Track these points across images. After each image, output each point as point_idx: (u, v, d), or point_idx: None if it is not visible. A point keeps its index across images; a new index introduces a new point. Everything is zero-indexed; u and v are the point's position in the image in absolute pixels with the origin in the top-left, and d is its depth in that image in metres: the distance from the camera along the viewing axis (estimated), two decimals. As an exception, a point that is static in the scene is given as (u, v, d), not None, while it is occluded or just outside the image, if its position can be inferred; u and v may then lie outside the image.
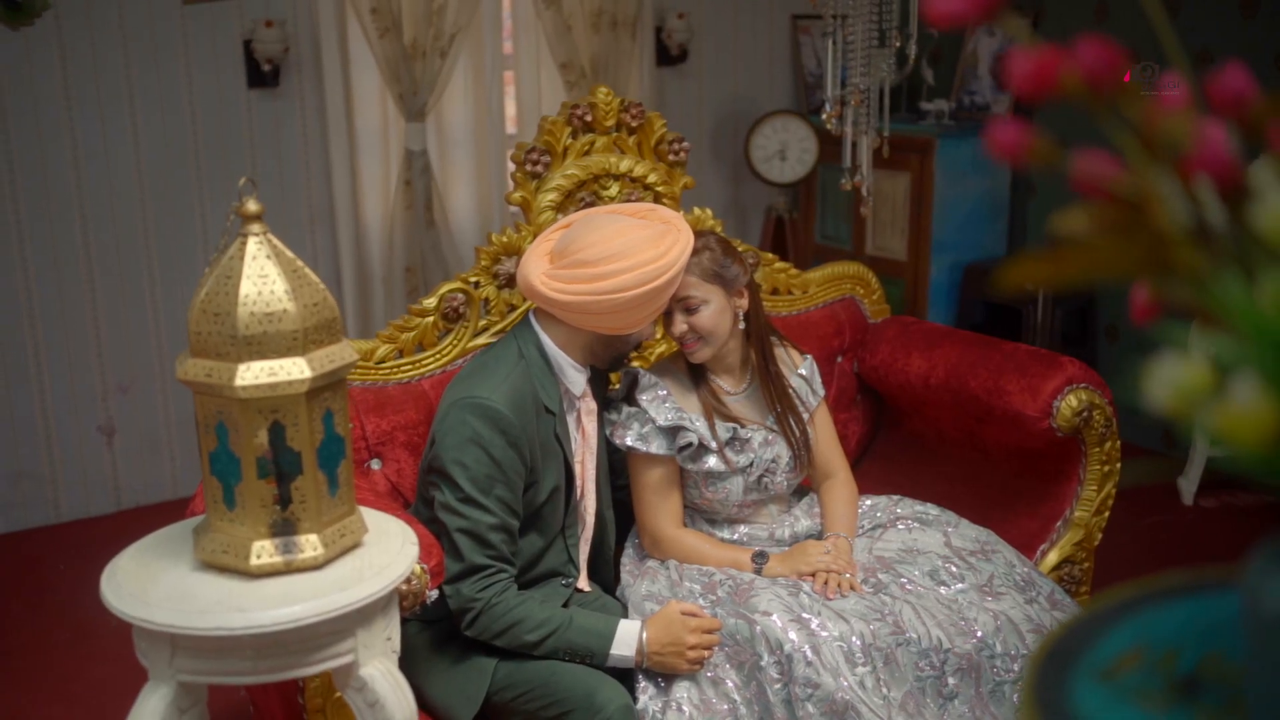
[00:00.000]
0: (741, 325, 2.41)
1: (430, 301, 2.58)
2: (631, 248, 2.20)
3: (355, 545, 1.64)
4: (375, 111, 4.53)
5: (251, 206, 1.55)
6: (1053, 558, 2.68)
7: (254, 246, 1.55)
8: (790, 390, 2.48)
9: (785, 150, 5.03)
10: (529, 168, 2.61)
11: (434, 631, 2.22)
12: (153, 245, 4.24)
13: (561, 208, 2.64)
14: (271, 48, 4.23)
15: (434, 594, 2.04)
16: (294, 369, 1.52)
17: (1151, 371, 0.54)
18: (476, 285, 2.61)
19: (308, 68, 4.40)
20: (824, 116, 3.27)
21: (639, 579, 2.40)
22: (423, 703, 2.19)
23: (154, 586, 1.55)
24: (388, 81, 4.41)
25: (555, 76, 4.77)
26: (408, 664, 2.16)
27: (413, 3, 4.35)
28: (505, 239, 2.62)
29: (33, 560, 4.02)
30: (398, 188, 4.56)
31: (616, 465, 2.52)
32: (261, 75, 4.28)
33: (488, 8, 4.59)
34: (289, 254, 1.58)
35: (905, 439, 3.08)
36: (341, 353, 1.59)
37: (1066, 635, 0.66)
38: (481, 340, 2.60)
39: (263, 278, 1.53)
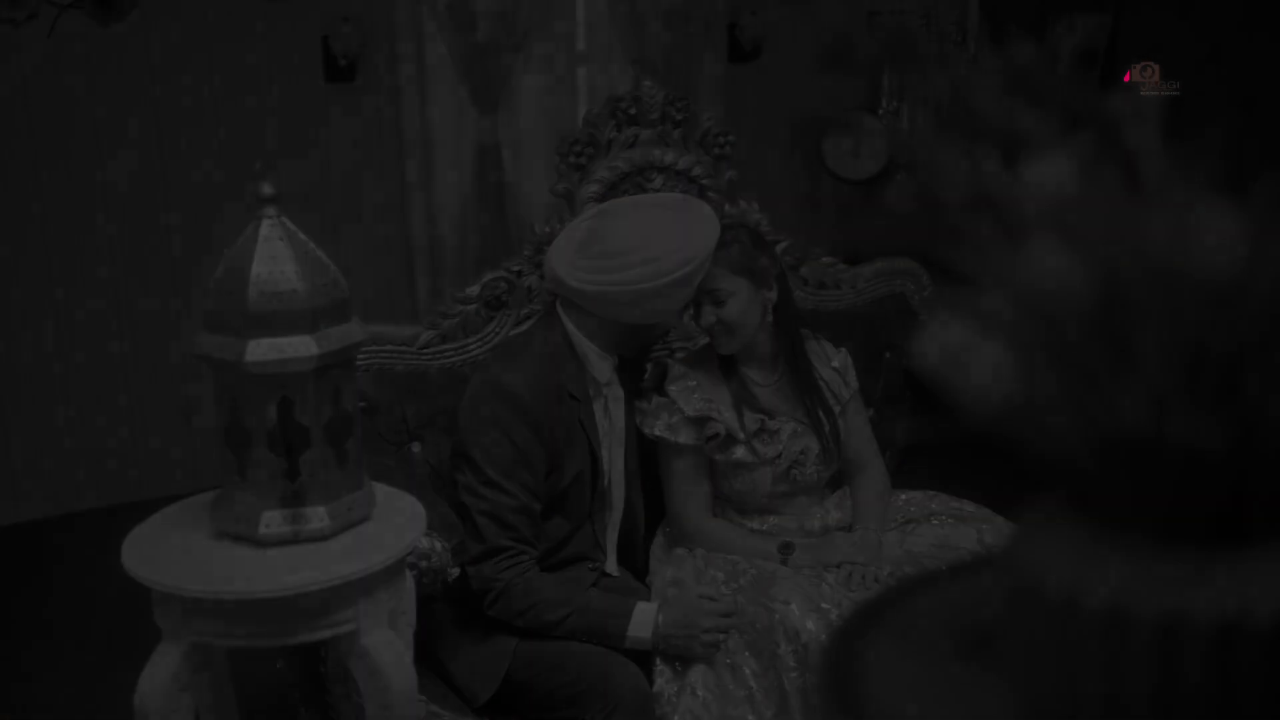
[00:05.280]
0: (769, 318, 2.42)
1: (473, 289, 2.63)
2: (654, 239, 2.22)
3: (363, 519, 1.69)
4: (449, 106, 4.61)
5: (266, 190, 1.62)
6: (1096, 559, 2.63)
7: (267, 228, 1.61)
8: (820, 382, 2.48)
9: (858, 147, 5.01)
10: (573, 159, 2.65)
11: (459, 610, 2.27)
12: (232, 232, 4.38)
13: (604, 199, 2.66)
14: (348, 43, 4.34)
15: (455, 571, 2.09)
16: (302, 346, 1.58)
17: (923, 333, 0.56)
18: (519, 274, 2.65)
19: (383, 63, 4.51)
20: (879, 114, 3.26)
21: (666, 565, 2.42)
22: (445, 678, 2.24)
23: (169, 552, 1.63)
24: (461, 76, 4.50)
25: (627, 72, 4.81)
26: (433, 641, 2.23)
27: (487, -1, 4.44)
28: (549, 229, 2.65)
29: (117, 535, 4.16)
30: (470, 181, 4.64)
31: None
32: (338, 70, 4.40)
33: (561, 4, 4.65)
34: (302, 236, 1.64)
35: (953, 435, 3.05)
36: (350, 332, 1.65)
37: (880, 597, 0.68)
38: (524, 328, 2.64)
39: (273, 258, 1.59)
